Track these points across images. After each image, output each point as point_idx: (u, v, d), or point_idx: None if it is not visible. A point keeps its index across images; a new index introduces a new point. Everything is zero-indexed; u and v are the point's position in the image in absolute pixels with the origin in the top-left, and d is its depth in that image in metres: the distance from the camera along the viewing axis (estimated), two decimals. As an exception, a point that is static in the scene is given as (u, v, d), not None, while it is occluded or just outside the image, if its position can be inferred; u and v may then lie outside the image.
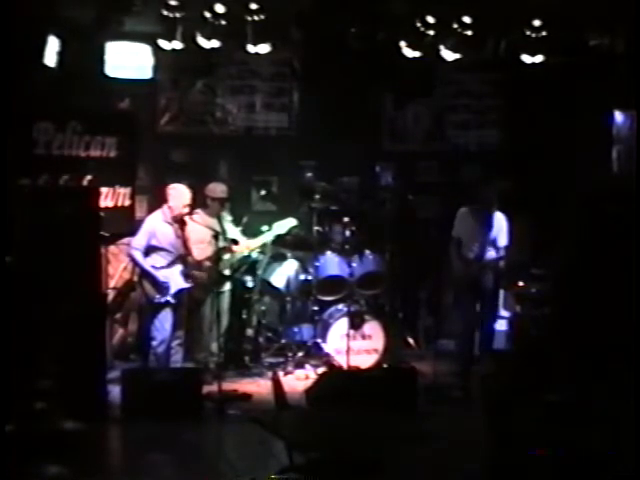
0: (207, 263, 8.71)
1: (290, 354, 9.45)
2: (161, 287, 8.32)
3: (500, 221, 8.96)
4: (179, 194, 8.49)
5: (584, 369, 6.92)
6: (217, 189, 9.02)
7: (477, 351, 9.21)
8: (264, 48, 9.37)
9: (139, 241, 8.41)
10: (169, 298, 8.36)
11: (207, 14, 8.95)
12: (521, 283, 9.81)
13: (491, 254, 8.87)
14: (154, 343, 8.42)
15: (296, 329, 9.77)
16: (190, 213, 8.54)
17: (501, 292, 10.16)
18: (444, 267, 9.72)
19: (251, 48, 9.34)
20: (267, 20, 9.08)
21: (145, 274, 8.38)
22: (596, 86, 10.26)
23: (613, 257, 8.24)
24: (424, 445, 6.16)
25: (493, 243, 8.86)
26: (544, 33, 9.59)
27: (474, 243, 8.81)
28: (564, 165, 10.51)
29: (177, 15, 8.91)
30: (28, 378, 6.53)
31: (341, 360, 9.07)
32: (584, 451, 5.25)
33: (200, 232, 8.62)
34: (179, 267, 8.44)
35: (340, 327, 9.22)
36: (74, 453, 6.21)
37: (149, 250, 8.40)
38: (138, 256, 8.39)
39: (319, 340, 9.40)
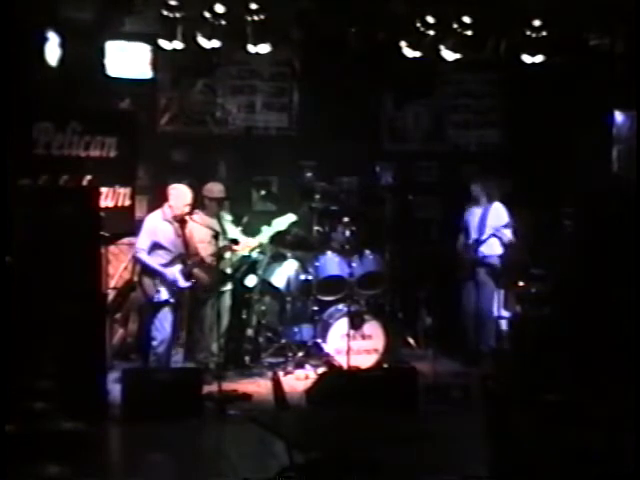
0: (208, 262, 8.71)
1: (290, 354, 9.44)
2: (169, 284, 8.34)
3: (498, 210, 9.55)
4: (180, 194, 8.50)
5: (584, 369, 6.93)
6: (214, 189, 9.02)
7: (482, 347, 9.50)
8: (264, 48, 9.37)
9: (142, 241, 8.43)
10: (168, 297, 8.37)
11: (207, 14, 8.96)
12: (521, 283, 9.83)
13: (494, 244, 9.46)
14: (154, 343, 8.42)
15: (296, 329, 9.76)
16: (190, 213, 8.54)
17: (501, 292, 10.20)
18: (445, 267, 9.82)
19: (251, 48, 9.35)
20: (267, 20, 9.08)
21: (153, 272, 8.38)
22: (596, 86, 10.26)
23: (613, 257, 8.24)
24: (424, 445, 6.17)
25: (496, 234, 9.47)
26: (544, 33, 9.59)
27: (473, 230, 9.58)
28: (564, 165, 10.51)
29: (177, 15, 8.92)
30: (28, 378, 6.53)
31: (341, 360, 9.06)
32: (584, 451, 5.25)
33: (200, 232, 8.63)
34: (179, 266, 8.44)
35: (340, 327, 9.22)
36: (74, 453, 6.21)
37: (151, 248, 8.42)
38: (144, 256, 8.41)
39: (319, 340, 9.39)
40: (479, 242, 9.51)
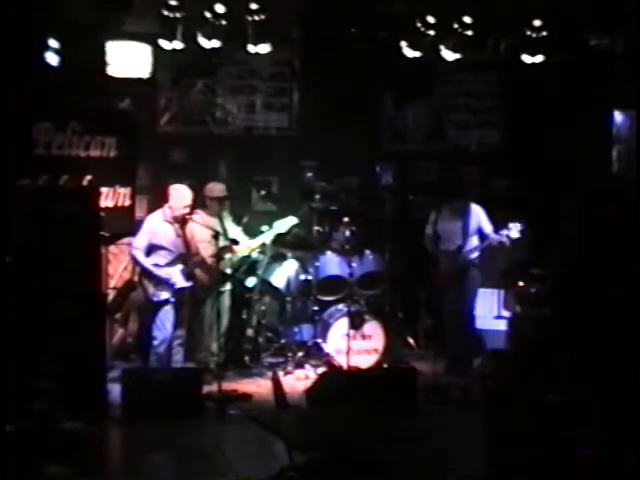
0: (208, 262, 8.72)
1: (290, 354, 9.45)
2: (163, 284, 8.34)
3: (477, 212, 9.36)
4: (180, 194, 8.50)
5: (584, 369, 6.93)
6: (216, 189, 9.03)
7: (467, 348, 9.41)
8: (264, 48, 9.38)
9: (140, 241, 8.44)
10: (169, 296, 8.37)
11: (207, 14, 8.97)
12: (521, 283, 9.82)
13: (475, 243, 9.28)
14: (155, 342, 8.43)
15: (296, 329, 9.77)
16: (190, 213, 8.54)
17: (501, 292, 10.20)
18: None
19: (251, 48, 9.36)
20: (267, 20, 9.10)
21: (147, 272, 8.40)
22: (596, 86, 10.26)
23: (613, 257, 8.24)
24: (424, 445, 6.17)
25: (480, 232, 9.29)
26: (544, 33, 9.60)
27: (455, 236, 9.25)
28: (564, 165, 10.51)
29: (177, 15, 8.93)
30: (28, 378, 6.52)
31: (341, 360, 9.07)
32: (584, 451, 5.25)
33: (201, 232, 8.63)
34: (180, 266, 8.45)
35: (340, 327, 9.22)
36: (74, 453, 6.20)
37: (150, 249, 8.42)
38: (139, 255, 8.42)
39: (319, 340, 9.40)
40: (472, 249, 9.23)
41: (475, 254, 9.29)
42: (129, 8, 8.90)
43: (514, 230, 9.08)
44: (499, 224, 9.34)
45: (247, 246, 9.09)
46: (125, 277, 9.56)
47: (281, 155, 10.62)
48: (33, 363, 6.76)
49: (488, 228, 9.31)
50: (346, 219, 9.67)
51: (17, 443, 5.84)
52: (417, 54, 9.63)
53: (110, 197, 8.77)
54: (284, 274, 9.63)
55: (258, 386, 8.79)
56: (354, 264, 9.47)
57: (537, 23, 9.53)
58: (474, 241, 9.31)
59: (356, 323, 9.24)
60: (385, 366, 9.11)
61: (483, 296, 9.70)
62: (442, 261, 9.32)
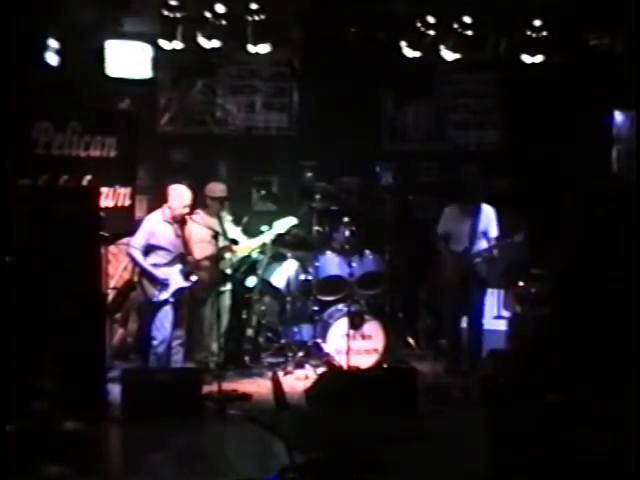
0: (207, 262, 8.72)
1: (290, 354, 9.45)
2: (161, 284, 8.34)
3: (488, 214, 9.31)
4: (180, 194, 8.50)
5: (584, 369, 6.92)
6: (216, 188, 9.04)
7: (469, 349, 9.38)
8: (264, 48, 9.38)
9: (138, 240, 8.44)
10: (168, 297, 8.37)
11: (207, 14, 8.97)
12: (521, 283, 9.82)
13: (482, 245, 9.20)
14: (155, 343, 8.43)
15: (296, 329, 9.78)
16: (190, 213, 8.55)
17: (501, 292, 10.19)
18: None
19: (251, 48, 9.36)
20: (267, 20, 9.10)
21: (144, 272, 8.41)
22: (596, 86, 10.26)
23: (613, 257, 8.25)
24: (424, 445, 6.17)
25: (484, 235, 9.22)
26: (544, 33, 9.60)
27: (463, 237, 9.20)
28: (564, 165, 10.51)
29: (177, 15, 8.94)
30: (28, 378, 6.53)
31: (341, 360, 9.07)
32: (584, 451, 5.24)
33: (200, 232, 8.63)
34: (179, 266, 8.45)
35: (340, 327, 9.22)
36: (74, 453, 6.21)
37: (149, 249, 8.43)
38: (137, 255, 8.42)
39: (319, 340, 9.40)
40: (479, 253, 9.19)
41: (481, 258, 9.23)
42: (129, 8, 8.90)
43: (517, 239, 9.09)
44: (499, 226, 9.35)
45: (247, 246, 9.10)
46: (125, 277, 9.56)
47: (281, 155, 10.63)
48: (33, 363, 6.76)
49: (494, 232, 9.26)
50: (346, 219, 9.67)
51: (17, 443, 5.85)
52: (417, 54, 9.63)
53: (110, 197, 8.77)
54: (284, 274, 9.63)
55: (258, 386, 8.79)
56: (354, 264, 9.47)
57: (537, 23, 9.54)
58: (482, 243, 9.24)
59: (356, 323, 9.24)
60: (385, 366, 9.11)
61: (483, 296, 9.71)
62: (448, 260, 9.30)
